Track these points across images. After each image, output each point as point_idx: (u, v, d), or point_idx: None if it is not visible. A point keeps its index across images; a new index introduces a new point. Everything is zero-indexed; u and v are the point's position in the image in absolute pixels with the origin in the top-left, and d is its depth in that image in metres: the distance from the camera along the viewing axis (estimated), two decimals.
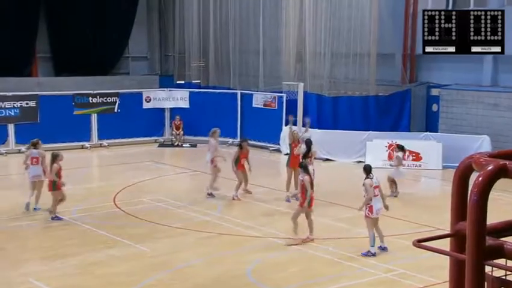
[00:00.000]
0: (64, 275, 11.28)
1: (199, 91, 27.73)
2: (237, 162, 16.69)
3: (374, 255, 12.10)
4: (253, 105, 25.53)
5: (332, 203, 16.20)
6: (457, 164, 4.04)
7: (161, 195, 17.07)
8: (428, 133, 22.06)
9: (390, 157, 21.37)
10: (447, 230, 4.10)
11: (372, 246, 12.15)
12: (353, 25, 24.00)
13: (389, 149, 21.49)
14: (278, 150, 23.67)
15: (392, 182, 17.04)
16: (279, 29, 26.00)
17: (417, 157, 19.46)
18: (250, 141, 25.08)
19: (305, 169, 13.07)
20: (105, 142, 25.35)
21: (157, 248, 12.61)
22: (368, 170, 12.52)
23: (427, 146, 21.16)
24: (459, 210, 3.94)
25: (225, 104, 26.17)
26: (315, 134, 21.46)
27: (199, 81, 29.52)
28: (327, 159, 22.51)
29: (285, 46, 25.58)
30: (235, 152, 16.98)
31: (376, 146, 21.68)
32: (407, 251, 12.04)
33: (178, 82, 30.00)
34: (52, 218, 14.29)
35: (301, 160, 15.22)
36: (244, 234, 13.15)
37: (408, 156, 19.77)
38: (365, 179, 12.38)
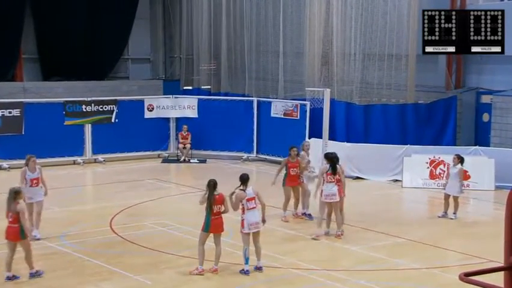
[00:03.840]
0: None
1: (209, 98, 27.82)
2: (286, 176, 16.84)
3: (246, 273, 12.68)
4: (272, 115, 25.54)
5: (364, 229, 16.11)
6: None
7: (165, 219, 17.08)
8: (477, 147, 21.91)
9: (432, 175, 21.28)
10: (500, 262, 4.05)
11: (246, 264, 12.75)
12: (388, 21, 23.96)
13: (430, 165, 21.38)
14: None
15: (456, 201, 17.38)
16: (301, 27, 26.05)
17: (465, 176, 19.29)
18: (267, 157, 25.37)
19: None
20: (100, 157, 25.45)
21: (159, 280, 12.59)
22: (244, 180, 12.98)
23: (477, 162, 21.01)
24: None
25: (239, 114, 26.22)
26: (344, 148, 21.43)
27: (209, 87, 29.65)
28: (358, 178, 22.41)
29: (308, 46, 25.60)
30: (283, 161, 17.19)
31: (415, 162, 21.58)
32: (453, 286, 11.91)
33: (185, 88, 30.17)
34: (32, 275, 12.54)
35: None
36: None
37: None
38: (237, 188, 12.91)
